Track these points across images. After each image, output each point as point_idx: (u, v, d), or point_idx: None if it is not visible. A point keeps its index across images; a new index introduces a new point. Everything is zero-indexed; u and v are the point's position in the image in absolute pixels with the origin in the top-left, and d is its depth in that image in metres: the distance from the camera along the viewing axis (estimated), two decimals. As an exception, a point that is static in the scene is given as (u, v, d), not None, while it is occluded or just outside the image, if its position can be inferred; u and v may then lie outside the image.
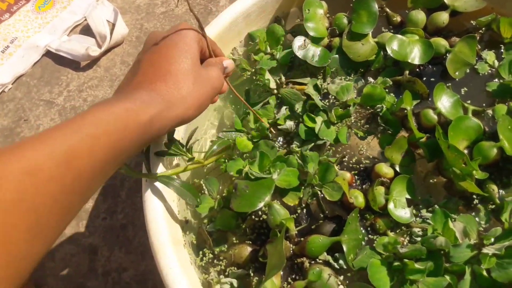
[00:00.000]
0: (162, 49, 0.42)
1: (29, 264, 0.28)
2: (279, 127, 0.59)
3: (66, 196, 0.30)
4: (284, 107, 0.60)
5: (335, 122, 0.58)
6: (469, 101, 0.58)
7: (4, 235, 0.26)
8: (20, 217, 0.27)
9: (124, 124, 0.35)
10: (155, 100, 0.38)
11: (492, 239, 0.48)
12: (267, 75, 0.61)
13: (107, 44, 0.85)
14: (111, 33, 0.86)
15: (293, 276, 0.51)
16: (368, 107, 0.59)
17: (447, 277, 0.47)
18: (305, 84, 0.62)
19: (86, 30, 0.90)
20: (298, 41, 0.62)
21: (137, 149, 0.38)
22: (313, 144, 0.57)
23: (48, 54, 0.88)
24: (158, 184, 0.53)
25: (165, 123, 0.39)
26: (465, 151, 0.55)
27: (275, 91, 0.62)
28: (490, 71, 0.61)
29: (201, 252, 0.54)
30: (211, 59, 0.48)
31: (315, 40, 0.63)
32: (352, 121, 0.59)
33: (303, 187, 0.54)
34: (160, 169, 0.53)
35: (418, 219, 0.53)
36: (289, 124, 0.59)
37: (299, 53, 0.61)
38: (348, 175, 0.55)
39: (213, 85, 0.44)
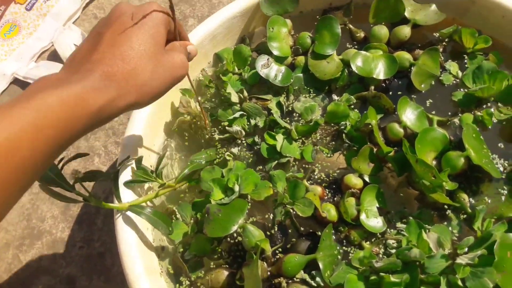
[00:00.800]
0: (127, 27, 0.38)
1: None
2: (227, 128, 0.60)
3: (5, 187, 0.29)
4: (238, 113, 0.61)
5: (297, 138, 0.59)
6: (435, 112, 0.60)
7: None
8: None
9: (71, 113, 0.33)
10: (108, 87, 0.36)
11: (466, 249, 0.49)
12: (229, 89, 0.61)
13: (76, 69, 0.84)
14: (80, 58, 0.85)
15: (271, 298, 0.51)
16: (333, 124, 0.60)
17: (423, 289, 0.48)
18: (268, 100, 0.62)
19: (54, 56, 0.89)
20: (261, 60, 0.63)
21: (82, 135, 0.36)
22: (276, 162, 0.57)
23: (16, 82, 0.87)
24: (130, 213, 0.52)
25: (115, 111, 0.37)
26: (434, 163, 0.55)
27: (238, 106, 0.62)
28: (454, 82, 0.62)
29: (181, 279, 0.54)
30: (175, 42, 0.45)
31: (279, 59, 0.64)
32: (318, 138, 0.60)
33: (274, 207, 0.54)
34: (131, 197, 0.53)
35: (392, 230, 0.53)
36: (236, 128, 0.59)
37: (262, 73, 0.62)
38: (319, 189, 0.56)
39: (174, 74, 0.42)
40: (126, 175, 0.53)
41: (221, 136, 0.61)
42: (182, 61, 0.43)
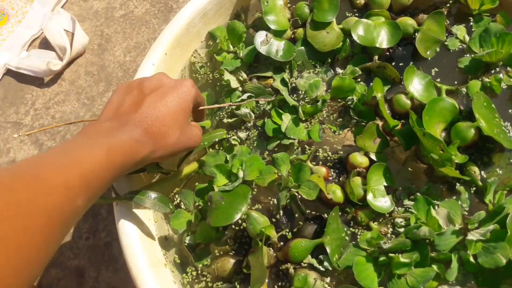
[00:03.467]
0: (166, 96, 0.45)
1: (47, 261, 0.33)
2: (236, 112, 0.57)
3: (80, 209, 0.35)
4: (246, 94, 0.58)
5: (304, 119, 0.56)
6: (442, 81, 0.57)
7: (47, 236, 0.31)
8: (59, 221, 0.32)
9: (126, 159, 0.40)
10: (149, 143, 0.42)
11: (477, 224, 0.47)
12: (227, 75, 0.59)
13: (68, 56, 0.81)
14: (71, 44, 0.82)
15: (280, 284, 0.50)
16: (340, 100, 0.57)
17: (434, 267, 0.47)
18: (270, 77, 0.60)
19: (45, 44, 0.86)
20: (260, 36, 0.59)
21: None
22: (278, 142, 0.55)
23: (9, 73, 0.85)
24: (130, 205, 0.51)
25: (147, 162, 0.44)
26: (443, 134, 0.53)
27: (240, 88, 0.60)
28: (461, 47, 0.59)
29: (187, 269, 0.53)
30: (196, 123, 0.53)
31: (278, 34, 0.60)
32: (324, 116, 0.57)
33: (279, 191, 0.52)
34: (130, 188, 0.51)
35: (400, 208, 0.51)
36: (244, 111, 0.57)
37: (262, 49, 0.59)
38: (323, 170, 0.54)
39: (190, 144, 0.48)
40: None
41: (229, 120, 0.59)
42: (198, 136, 0.50)
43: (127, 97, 0.45)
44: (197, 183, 0.55)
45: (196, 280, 0.52)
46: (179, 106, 0.45)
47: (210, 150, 0.56)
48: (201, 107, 0.52)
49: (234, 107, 0.58)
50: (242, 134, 0.57)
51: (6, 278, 0.28)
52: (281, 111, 0.56)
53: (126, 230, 0.49)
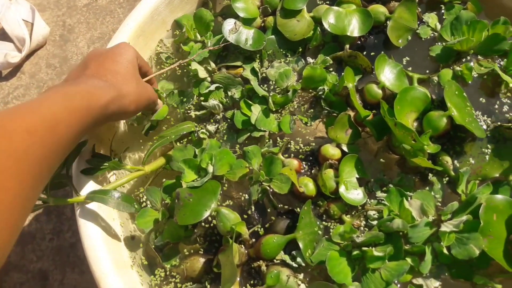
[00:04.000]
0: (108, 57, 0.47)
1: (30, 208, 0.35)
2: (203, 103, 0.55)
3: (51, 154, 0.36)
4: (214, 85, 0.56)
5: (274, 110, 0.54)
6: (414, 70, 0.56)
7: (19, 179, 0.32)
8: (29, 165, 0.33)
9: (88, 103, 0.39)
10: (109, 88, 0.43)
11: (450, 215, 0.47)
12: (194, 65, 0.56)
13: (28, 47, 0.77)
14: (31, 35, 0.78)
15: (252, 282, 0.48)
16: (311, 90, 0.56)
17: (408, 260, 0.46)
18: (239, 67, 0.58)
19: (3, 35, 0.81)
20: (228, 24, 0.57)
21: (94, 128, 0.42)
22: (248, 134, 0.54)
23: (-36, 66, 0.80)
24: (92, 205, 0.48)
25: (116, 109, 0.43)
26: (414, 124, 0.52)
27: (208, 79, 0.57)
28: (432, 35, 0.58)
29: (155, 271, 0.51)
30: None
31: (247, 22, 0.58)
32: (295, 107, 0.56)
33: (250, 186, 0.50)
34: (93, 187, 0.49)
35: (372, 200, 0.50)
36: (213, 103, 0.55)
37: (231, 38, 0.56)
38: (295, 162, 0.52)
39: (149, 95, 0.50)
40: (80, 165, 0.49)
41: (197, 113, 0.57)
42: (153, 91, 0.51)
43: (74, 70, 0.47)
44: (164, 180, 0.53)
45: (164, 282, 0.50)
46: (124, 59, 0.47)
47: (178, 144, 0.54)
48: (147, 77, 0.53)
49: (202, 98, 0.56)
50: (211, 127, 0.55)
51: None
52: (250, 102, 0.54)
53: (88, 231, 0.47)
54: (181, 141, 0.56)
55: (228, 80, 0.57)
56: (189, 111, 0.57)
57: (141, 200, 0.52)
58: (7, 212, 0.31)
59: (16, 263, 0.66)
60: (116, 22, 0.82)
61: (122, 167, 0.50)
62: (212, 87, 0.55)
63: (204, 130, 0.55)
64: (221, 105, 0.56)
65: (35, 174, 0.34)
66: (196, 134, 0.55)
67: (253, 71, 0.58)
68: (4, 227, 0.31)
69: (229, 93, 0.56)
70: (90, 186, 0.49)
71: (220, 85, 0.56)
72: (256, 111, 0.53)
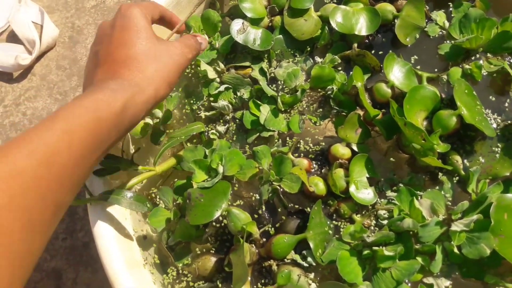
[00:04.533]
0: (115, 37, 0.40)
1: (32, 261, 0.30)
2: (213, 104, 0.55)
3: (53, 192, 0.31)
4: (223, 86, 0.56)
5: (283, 109, 0.55)
6: (422, 68, 0.56)
7: (1, 238, 0.27)
8: (13, 218, 0.28)
9: (96, 115, 0.34)
10: (123, 86, 0.37)
11: (460, 214, 0.47)
12: (203, 66, 0.56)
13: (38, 49, 0.78)
14: (40, 37, 0.79)
15: (263, 281, 0.49)
16: (319, 89, 0.56)
17: (419, 259, 0.46)
18: (248, 67, 0.58)
19: (13, 37, 0.82)
20: (236, 25, 0.57)
21: (117, 139, 0.38)
22: (258, 134, 0.54)
23: (-24, 68, 0.81)
24: (105, 205, 0.49)
25: (139, 108, 0.38)
26: (424, 123, 0.52)
27: (218, 79, 0.58)
28: (441, 33, 0.58)
29: (168, 270, 0.51)
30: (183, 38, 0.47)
31: (254, 22, 0.58)
32: (304, 107, 0.56)
33: (260, 186, 0.51)
34: (104, 187, 0.49)
35: (383, 200, 0.51)
36: (222, 103, 0.55)
37: (239, 38, 0.57)
38: (305, 162, 0.52)
39: (178, 60, 0.43)
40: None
41: (207, 114, 0.57)
42: (180, 50, 0.44)
43: (88, 66, 0.43)
44: (176, 179, 0.54)
45: (177, 280, 0.51)
46: (131, 34, 0.40)
47: (188, 144, 0.54)
48: (172, 31, 0.48)
49: (211, 98, 0.56)
50: (221, 128, 0.56)
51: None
52: (259, 102, 0.54)
53: (101, 231, 0.47)
54: (192, 142, 0.56)
55: (237, 80, 0.57)
56: (199, 112, 0.57)
57: (154, 200, 0.53)
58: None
59: (30, 262, 0.67)
60: (124, 23, 0.82)
61: (134, 168, 0.50)
62: (222, 87, 0.56)
63: (214, 131, 0.56)
64: (230, 106, 0.56)
65: (30, 223, 0.29)
66: (206, 135, 0.56)
67: (262, 71, 0.58)
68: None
69: (238, 94, 0.57)
70: (103, 186, 0.49)
71: (229, 86, 0.57)
72: (265, 111, 0.53)
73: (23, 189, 0.29)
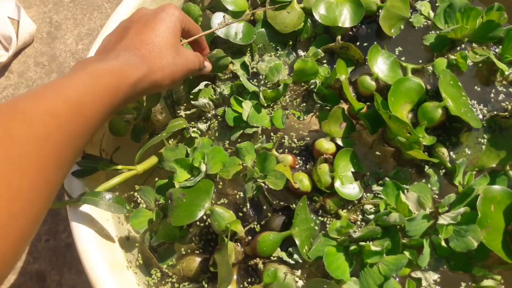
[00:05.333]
0: (150, 22, 0.44)
1: (54, 192, 0.33)
2: (192, 102, 0.54)
3: (76, 137, 0.34)
4: (203, 83, 0.55)
5: (266, 105, 0.53)
6: (407, 59, 0.55)
7: (39, 165, 0.30)
8: (49, 150, 0.31)
9: (117, 82, 0.38)
10: (141, 64, 0.41)
11: (447, 207, 0.46)
12: None
13: (15, 46, 0.75)
14: (17, 33, 0.76)
15: (249, 280, 0.48)
16: (303, 83, 0.55)
17: (407, 253, 0.45)
18: (229, 62, 0.57)
19: (-11, 33, 0.79)
20: (217, 18, 0.56)
21: (123, 106, 0.41)
22: (241, 131, 0.53)
23: (-50, 66, 0.78)
24: (85, 207, 0.48)
25: (146, 86, 0.42)
26: (409, 116, 0.51)
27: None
28: (426, 23, 0.57)
29: (151, 271, 0.50)
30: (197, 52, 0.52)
31: (236, 15, 0.57)
32: (288, 101, 0.55)
33: (244, 183, 0.50)
34: (84, 189, 0.48)
35: (369, 194, 0.50)
36: (203, 101, 0.54)
37: (220, 32, 0.55)
38: (289, 158, 0.51)
39: (188, 65, 0.47)
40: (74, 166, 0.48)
41: (187, 113, 0.55)
42: (195, 58, 0.48)
43: (111, 37, 0.45)
44: (157, 179, 0.52)
45: (162, 282, 0.50)
46: (165, 27, 0.45)
47: (170, 142, 0.53)
48: (192, 37, 0.50)
49: (191, 96, 0.55)
50: (203, 126, 0.54)
51: None
52: (240, 98, 0.53)
53: (81, 233, 0.46)
54: (176, 138, 0.55)
55: (219, 75, 0.56)
56: (178, 111, 0.56)
57: (136, 200, 0.52)
58: (26, 199, 0.29)
59: (11, 265, 0.65)
60: (104, 17, 0.80)
61: (113, 167, 0.49)
62: (201, 85, 0.54)
63: (195, 129, 0.54)
64: (211, 103, 0.55)
65: (58, 159, 0.32)
66: (188, 132, 0.54)
67: (244, 66, 0.57)
68: (23, 214, 0.29)
69: (218, 90, 0.55)
70: (82, 188, 0.48)
71: (209, 83, 0.55)
72: (247, 107, 0.52)
73: (57, 128, 0.32)
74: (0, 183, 0.28)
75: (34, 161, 0.30)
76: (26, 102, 0.32)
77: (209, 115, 0.55)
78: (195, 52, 0.50)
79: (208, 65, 0.53)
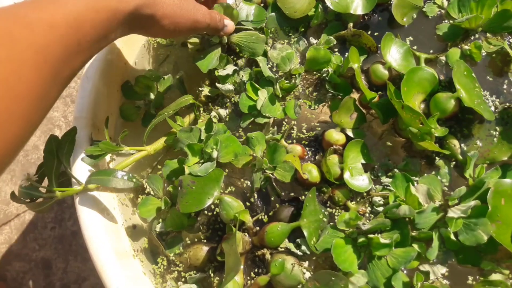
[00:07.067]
0: None
1: (46, 107, 0.33)
2: (217, 85, 0.53)
3: (72, 54, 0.34)
4: (232, 68, 0.54)
5: (281, 96, 0.53)
6: (420, 49, 0.54)
7: (37, 73, 0.31)
8: (48, 61, 0.31)
9: (116, 5, 0.37)
10: None
11: (457, 200, 0.46)
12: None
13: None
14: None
15: (256, 270, 0.48)
16: (315, 72, 0.54)
17: (415, 246, 0.45)
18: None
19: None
20: (229, 1, 0.55)
21: (122, 33, 0.41)
22: (252, 119, 0.52)
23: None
24: (92, 194, 0.47)
25: (144, 18, 0.41)
26: (422, 106, 0.51)
27: (219, 46, 0.54)
28: (439, 13, 0.55)
29: (158, 259, 0.50)
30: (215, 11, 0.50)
31: (247, -3, 0.56)
32: (300, 91, 0.54)
33: (253, 173, 0.49)
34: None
35: (378, 186, 0.49)
36: (228, 87, 0.53)
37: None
38: (298, 148, 0.51)
39: (196, 16, 0.45)
40: (80, 153, 0.48)
41: (209, 94, 0.55)
42: (206, 11, 0.46)
43: None
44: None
45: (168, 270, 0.49)
46: None
47: (179, 122, 0.52)
48: None
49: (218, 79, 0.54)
50: (223, 112, 0.53)
51: None
52: (257, 85, 0.52)
53: (88, 221, 0.46)
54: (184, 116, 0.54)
55: (251, 37, 0.53)
56: (200, 89, 0.55)
57: (146, 191, 0.51)
58: (22, 103, 0.29)
59: (18, 252, 0.66)
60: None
61: (121, 149, 0.48)
62: (230, 70, 0.53)
63: (215, 114, 0.53)
64: (233, 90, 0.54)
65: (55, 72, 0.32)
66: (197, 110, 0.53)
67: (264, 52, 0.55)
68: (17, 118, 0.29)
69: (238, 76, 0.54)
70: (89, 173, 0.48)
71: (237, 68, 0.54)
72: (262, 96, 0.51)
73: (55, 41, 0.32)
74: None
75: (33, 67, 0.30)
76: (28, 10, 0.32)
77: (228, 101, 0.54)
78: (212, 10, 0.48)
79: (229, 24, 0.50)
